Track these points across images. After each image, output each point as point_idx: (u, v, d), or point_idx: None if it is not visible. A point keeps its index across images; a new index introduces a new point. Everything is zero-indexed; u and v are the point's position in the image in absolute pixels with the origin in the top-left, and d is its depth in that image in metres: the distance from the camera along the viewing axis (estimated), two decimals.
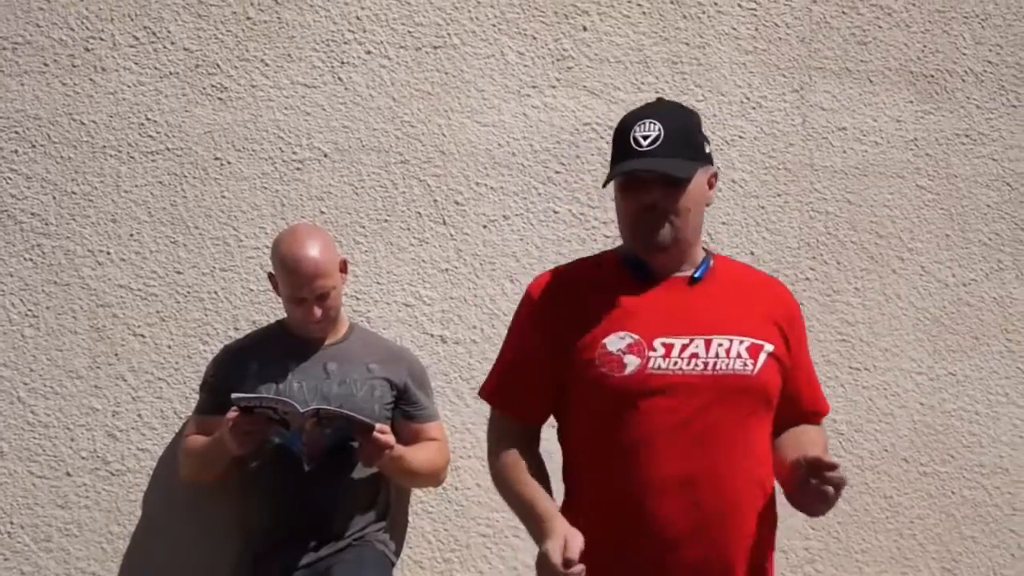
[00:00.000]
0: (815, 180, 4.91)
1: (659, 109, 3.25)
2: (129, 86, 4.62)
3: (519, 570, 4.69)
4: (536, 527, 3.15)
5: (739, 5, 4.90)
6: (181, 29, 4.65)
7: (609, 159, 4.83)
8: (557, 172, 4.79)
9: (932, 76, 4.99)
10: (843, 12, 4.96)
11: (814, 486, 3.09)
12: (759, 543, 3.20)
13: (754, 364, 3.18)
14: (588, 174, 4.78)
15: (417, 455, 4.33)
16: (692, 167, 3.16)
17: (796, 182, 4.89)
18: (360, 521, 4.33)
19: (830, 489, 3.09)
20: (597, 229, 4.78)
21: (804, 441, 3.30)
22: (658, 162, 3.13)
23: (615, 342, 3.15)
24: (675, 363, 3.13)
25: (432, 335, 4.70)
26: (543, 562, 3.01)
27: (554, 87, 4.80)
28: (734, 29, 4.90)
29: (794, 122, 4.90)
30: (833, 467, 3.06)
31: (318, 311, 4.27)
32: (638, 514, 3.13)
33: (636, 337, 3.15)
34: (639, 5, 4.85)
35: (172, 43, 4.65)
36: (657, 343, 3.14)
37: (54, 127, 4.59)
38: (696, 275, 3.25)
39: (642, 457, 3.12)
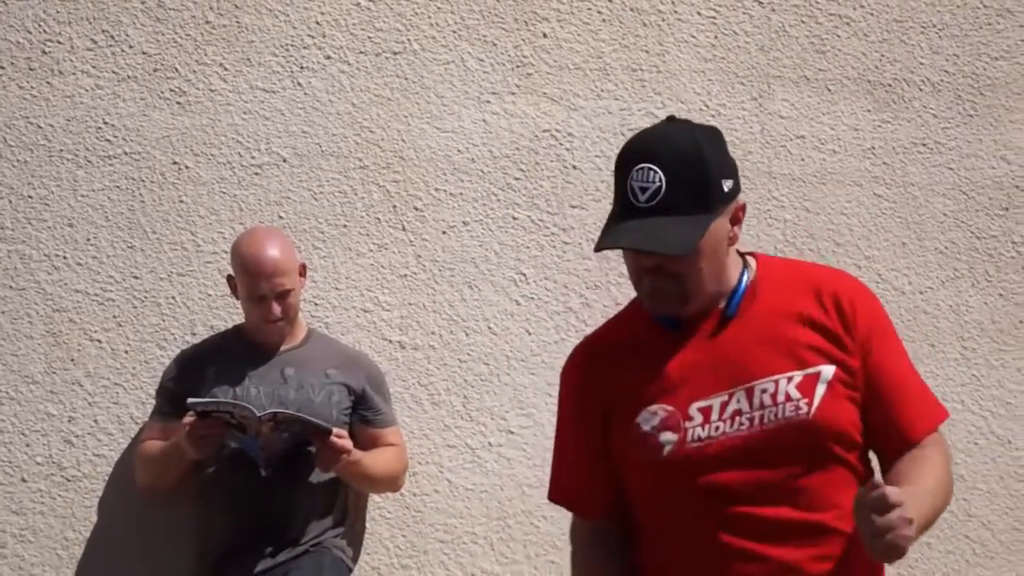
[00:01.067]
0: (773, 188, 4.92)
1: (664, 144, 2.69)
2: (87, 90, 4.60)
3: None
4: None
5: (698, 13, 4.92)
6: (139, 33, 4.63)
7: (570, 166, 4.88)
8: (516, 178, 4.79)
9: (889, 85, 5.02)
10: (802, 21, 4.98)
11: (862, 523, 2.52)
12: None
13: (810, 402, 2.67)
14: (547, 180, 4.78)
15: (375, 460, 4.32)
16: (699, 228, 2.65)
17: (754, 190, 4.91)
18: (317, 527, 4.32)
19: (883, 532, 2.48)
20: (556, 236, 4.79)
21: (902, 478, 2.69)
22: (657, 228, 2.64)
23: (648, 419, 2.73)
24: (716, 428, 2.68)
25: (390, 341, 4.69)
26: None
27: (514, 93, 4.81)
28: (693, 37, 4.91)
29: (752, 130, 4.92)
30: (883, 504, 2.46)
31: (277, 309, 4.27)
32: None
33: (670, 409, 2.72)
34: (599, 12, 4.86)
35: (130, 47, 4.63)
36: (693, 409, 2.70)
37: (10, 130, 4.56)
38: (728, 312, 2.75)
39: (703, 544, 2.69)
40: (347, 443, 4.12)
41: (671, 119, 2.80)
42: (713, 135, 2.75)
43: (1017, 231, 5.06)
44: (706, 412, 2.70)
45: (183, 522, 4.45)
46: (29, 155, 4.57)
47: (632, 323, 2.85)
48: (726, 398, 2.70)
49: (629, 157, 2.70)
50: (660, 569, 2.78)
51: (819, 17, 4.99)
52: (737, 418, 2.69)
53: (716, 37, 4.93)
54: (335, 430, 4.09)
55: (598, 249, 2.70)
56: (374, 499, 4.62)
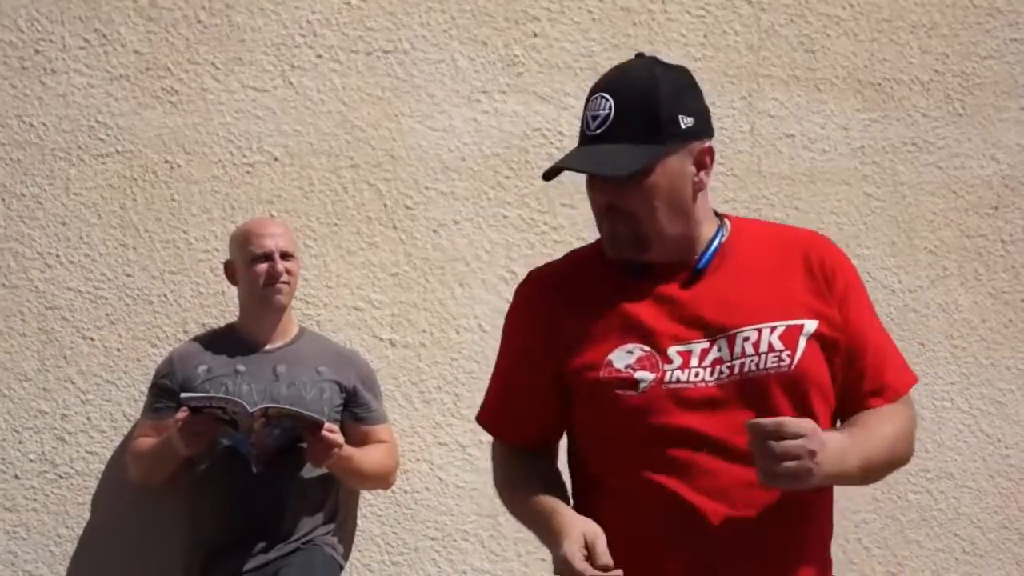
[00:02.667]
0: (763, 187, 4.94)
1: (621, 74, 2.64)
2: (79, 88, 4.61)
3: (468, 574, 4.69)
4: (545, 529, 2.60)
5: (688, 12, 4.93)
6: (132, 32, 4.65)
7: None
8: (507, 177, 4.80)
9: (879, 84, 5.04)
10: (791, 20, 5.00)
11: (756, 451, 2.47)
12: (813, 564, 2.67)
13: (792, 354, 2.58)
14: (538, 179, 4.78)
15: (366, 456, 4.34)
16: (643, 156, 2.55)
17: (744, 188, 4.92)
18: (308, 523, 4.33)
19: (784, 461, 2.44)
20: (547, 234, 4.80)
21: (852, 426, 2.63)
22: (600, 153, 2.58)
23: (622, 357, 2.60)
24: (696, 374, 2.57)
25: (382, 339, 4.70)
26: (563, 568, 2.47)
27: (504, 92, 4.82)
28: (683, 36, 4.93)
29: (742, 129, 4.94)
30: (780, 432, 2.43)
31: (281, 265, 4.31)
32: (670, 558, 2.60)
33: (647, 349, 2.59)
34: (589, 12, 4.88)
35: (122, 46, 4.64)
36: (672, 352, 2.58)
37: (3, 129, 4.57)
38: (700, 265, 2.64)
39: (671, 493, 2.57)
40: (338, 437, 4.13)
41: (639, 55, 2.72)
42: (678, 72, 2.65)
43: (1006, 230, 5.08)
44: (685, 356, 2.59)
45: (175, 519, 4.46)
46: (22, 153, 4.58)
47: (594, 261, 2.72)
48: (707, 345, 2.59)
49: (591, 91, 2.64)
50: (611, 520, 2.59)
51: (808, 17, 5.00)
52: (718, 367, 2.58)
53: (706, 36, 4.94)
54: (326, 424, 4.11)
55: (545, 177, 2.66)
56: (365, 496, 4.63)
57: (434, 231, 4.74)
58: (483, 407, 2.87)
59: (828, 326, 2.62)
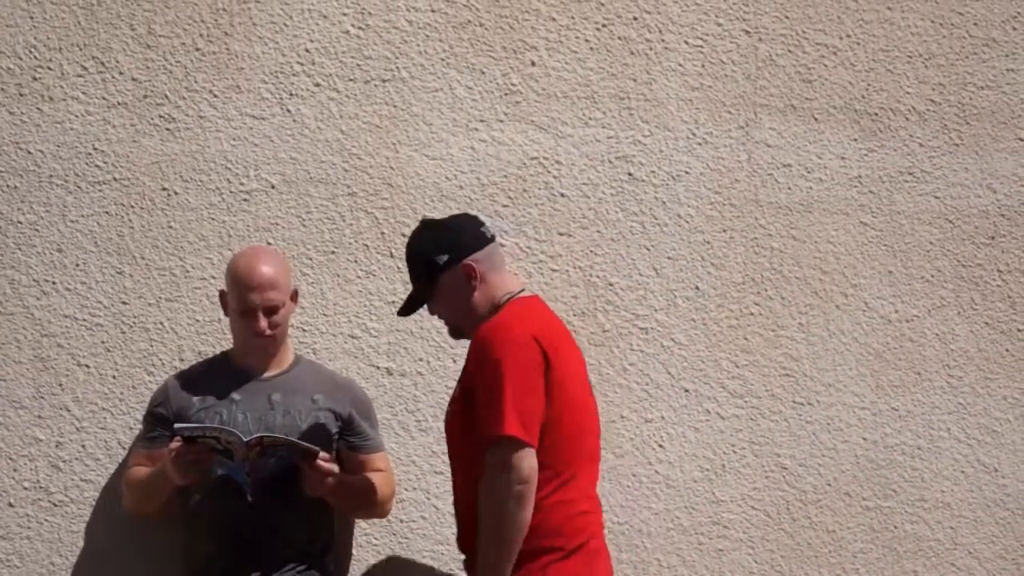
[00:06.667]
0: (760, 216, 4.95)
1: (406, 244, 4.15)
2: (77, 116, 4.61)
3: None
4: None
5: (686, 42, 4.95)
6: (130, 59, 4.65)
7: (557, 194, 4.90)
8: (504, 206, 4.81)
9: (876, 114, 5.05)
10: (788, 50, 5.01)
11: None
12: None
13: (452, 408, 4.08)
14: (535, 208, 4.80)
15: (362, 485, 4.33)
16: (419, 294, 4.08)
17: (741, 218, 4.93)
18: (303, 552, 4.31)
19: None
20: (544, 263, 4.80)
21: None
22: (407, 299, 4.13)
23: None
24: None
25: (378, 367, 4.70)
26: None
27: (502, 121, 4.83)
28: (681, 65, 4.94)
29: (739, 158, 4.95)
30: None
31: (264, 323, 4.26)
32: None
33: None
34: (587, 41, 4.89)
35: (120, 73, 4.65)
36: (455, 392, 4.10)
37: (0, 156, 4.58)
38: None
39: None
40: (333, 466, 4.12)
41: (422, 221, 4.17)
42: (432, 225, 4.12)
43: (1003, 260, 5.08)
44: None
45: (169, 547, 4.45)
46: (19, 180, 4.59)
47: None
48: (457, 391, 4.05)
49: None
50: None
51: (806, 47, 5.02)
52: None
53: (703, 66, 4.96)
54: (321, 453, 4.10)
55: (400, 313, 4.17)
56: (360, 525, 4.62)
57: None
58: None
59: (463, 393, 3.98)
